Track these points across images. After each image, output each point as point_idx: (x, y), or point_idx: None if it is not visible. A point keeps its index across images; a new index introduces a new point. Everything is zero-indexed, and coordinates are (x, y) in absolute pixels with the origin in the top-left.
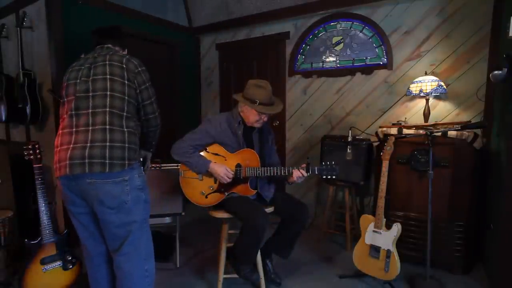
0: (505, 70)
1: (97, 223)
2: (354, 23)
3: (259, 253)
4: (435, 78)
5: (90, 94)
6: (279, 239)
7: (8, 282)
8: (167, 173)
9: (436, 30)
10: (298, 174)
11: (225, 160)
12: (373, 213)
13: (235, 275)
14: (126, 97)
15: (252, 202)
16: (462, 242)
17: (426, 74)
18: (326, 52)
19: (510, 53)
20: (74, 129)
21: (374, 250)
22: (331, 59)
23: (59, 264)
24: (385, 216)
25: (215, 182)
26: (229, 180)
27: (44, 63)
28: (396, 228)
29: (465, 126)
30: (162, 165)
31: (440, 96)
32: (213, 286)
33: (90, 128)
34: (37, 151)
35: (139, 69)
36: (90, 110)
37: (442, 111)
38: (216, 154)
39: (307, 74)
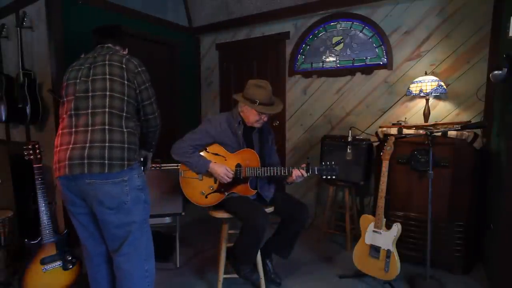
0: (505, 70)
1: (96, 223)
2: (354, 23)
3: (259, 253)
4: (435, 78)
5: (90, 94)
6: (279, 239)
7: (8, 282)
8: (167, 173)
9: (436, 30)
10: (298, 174)
11: (225, 160)
12: (373, 213)
13: (235, 275)
14: (126, 98)
15: (252, 202)
16: (462, 242)
17: (426, 74)
18: (326, 52)
19: (510, 53)
20: (73, 129)
21: (374, 250)
22: (331, 59)
23: (59, 264)
24: (385, 216)
25: (215, 182)
26: (229, 180)
27: (44, 63)
28: (396, 228)
29: (465, 126)
30: (162, 165)
31: (440, 96)
32: (213, 286)
33: (90, 128)
34: (37, 151)
35: (139, 69)
36: (89, 111)
37: (442, 111)
38: (216, 154)
39: (307, 74)
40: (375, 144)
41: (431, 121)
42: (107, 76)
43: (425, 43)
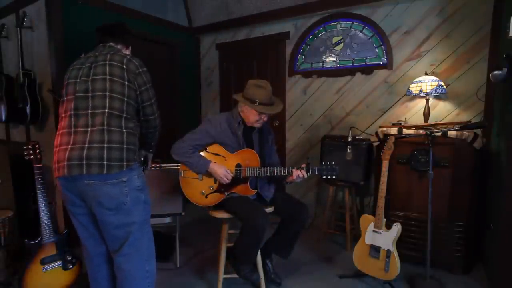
0: (505, 70)
1: (96, 224)
2: (354, 23)
3: (259, 253)
4: (435, 78)
5: (90, 94)
6: (279, 239)
7: (8, 282)
8: (167, 173)
9: (436, 30)
10: (298, 173)
11: (225, 160)
12: (373, 213)
13: (235, 275)
14: (126, 98)
15: (252, 202)
16: (462, 242)
17: (426, 74)
18: (326, 52)
19: (510, 53)
20: (73, 129)
21: (374, 250)
22: (331, 59)
23: (59, 264)
24: (385, 216)
25: (215, 182)
26: (228, 181)
27: (44, 63)
28: (396, 228)
29: (465, 126)
30: (162, 165)
31: (440, 96)
32: (213, 286)
33: (89, 129)
34: (37, 151)
35: (140, 70)
36: (89, 111)
37: (442, 111)
38: (216, 154)
39: (307, 74)
40: (375, 144)
41: (431, 121)
42: (107, 77)
43: (425, 43)
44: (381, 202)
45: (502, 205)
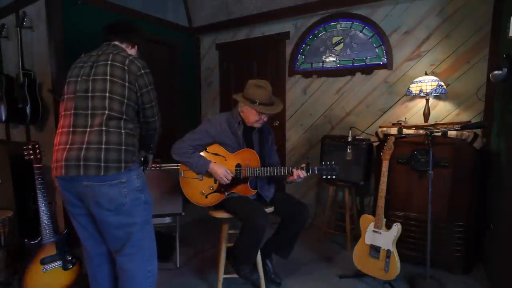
0: (505, 70)
1: (96, 224)
2: (354, 23)
3: (259, 253)
4: (435, 78)
5: (90, 94)
6: (279, 239)
7: (8, 282)
8: (167, 173)
9: (436, 30)
10: (298, 173)
11: (225, 160)
12: (373, 213)
13: (235, 275)
14: (126, 100)
15: (252, 202)
16: (462, 242)
17: (426, 74)
18: (326, 52)
19: (510, 53)
20: (71, 129)
21: (374, 250)
22: (331, 59)
23: (59, 264)
24: (385, 216)
25: (215, 182)
26: (228, 182)
27: (44, 63)
28: (396, 228)
29: (465, 126)
30: (162, 165)
31: (440, 96)
32: (213, 286)
33: (88, 129)
34: (37, 151)
35: (142, 71)
36: (89, 112)
37: (442, 111)
38: (216, 154)
39: (307, 74)
40: (375, 144)
41: (431, 121)
42: (108, 77)
43: (425, 43)
44: (381, 202)
45: (502, 205)
